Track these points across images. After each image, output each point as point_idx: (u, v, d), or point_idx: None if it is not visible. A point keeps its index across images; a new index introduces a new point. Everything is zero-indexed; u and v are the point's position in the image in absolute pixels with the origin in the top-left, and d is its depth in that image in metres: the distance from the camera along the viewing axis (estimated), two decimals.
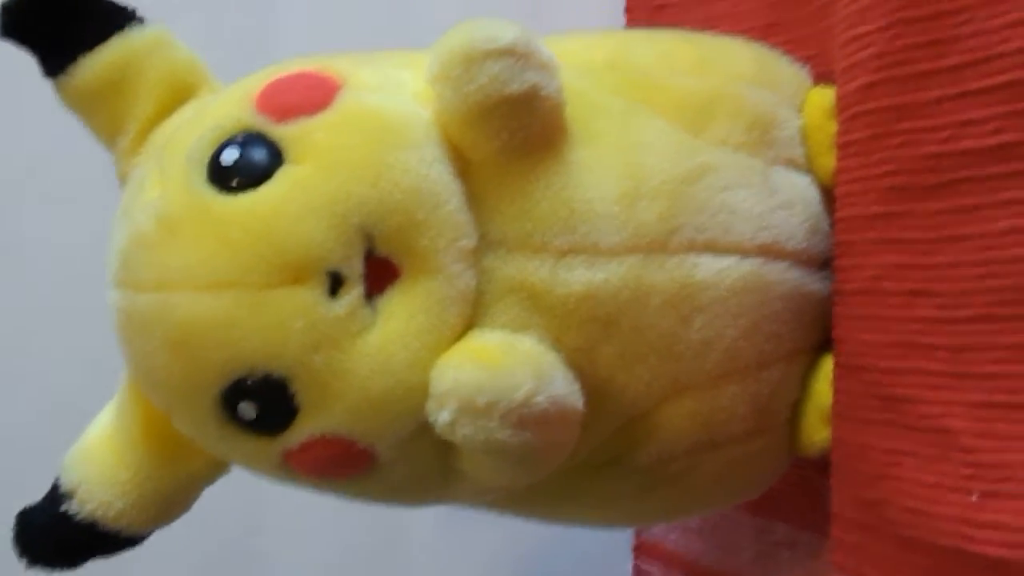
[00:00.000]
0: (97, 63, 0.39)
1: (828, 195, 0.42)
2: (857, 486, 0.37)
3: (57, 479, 0.40)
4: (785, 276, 0.40)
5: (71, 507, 0.39)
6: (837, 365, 0.39)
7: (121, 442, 0.40)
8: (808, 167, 0.42)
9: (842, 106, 0.38)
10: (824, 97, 0.43)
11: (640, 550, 0.61)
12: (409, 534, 0.62)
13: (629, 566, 0.62)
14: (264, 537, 0.68)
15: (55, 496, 0.40)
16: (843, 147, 0.38)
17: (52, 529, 0.40)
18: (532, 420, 0.34)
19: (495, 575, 0.69)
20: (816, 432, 0.41)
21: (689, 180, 0.38)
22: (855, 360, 0.37)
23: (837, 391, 0.39)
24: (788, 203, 0.40)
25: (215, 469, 0.41)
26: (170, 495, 0.40)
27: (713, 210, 0.38)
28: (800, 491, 0.47)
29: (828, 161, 0.41)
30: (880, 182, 0.36)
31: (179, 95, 0.40)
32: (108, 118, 0.40)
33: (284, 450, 0.36)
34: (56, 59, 0.40)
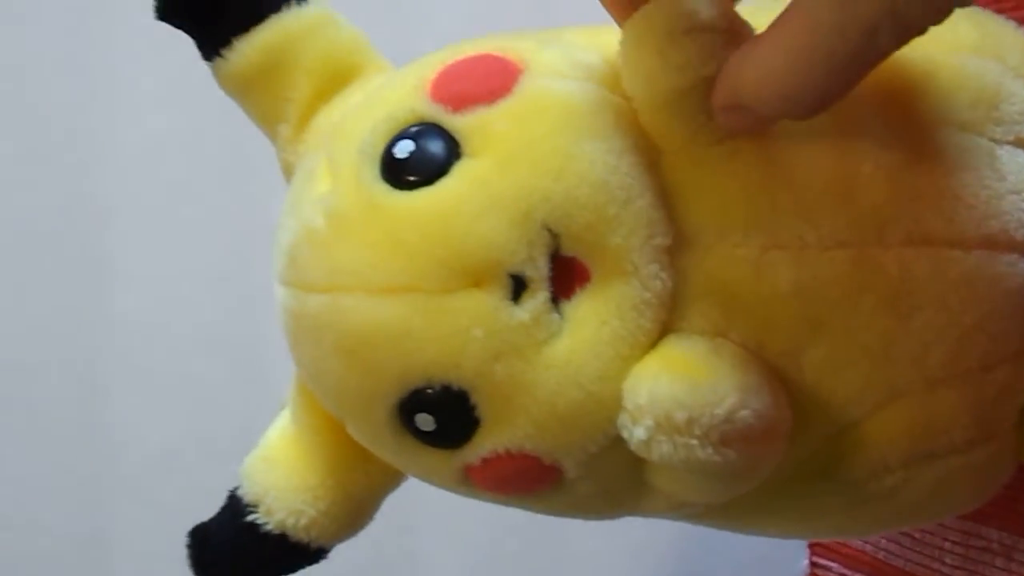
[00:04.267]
0: (252, 46, 0.37)
1: None
2: None
3: (235, 490, 0.38)
4: (1014, 269, 0.35)
5: (258, 517, 0.37)
6: None
7: (305, 446, 0.38)
8: None
9: None
10: None
11: (817, 546, 0.57)
12: (563, 528, 0.59)
13: (804, 562, 0.58)
14: (416, 537, 0.67)
15: (236, 507, 0.38)
16: None
17: (237, 543, 0.38)
18: (735, 436, 0.31)
19: (662, 569, 0.66)
20: None
21: (906, 166, 0.34)
22: None
23: None
24: (1018, 187, 0.36)
25: (399, 474, 0.39)
26: (360, 500, 0.39)
27: (933, 198, 0.34)
28: (1021, 496, 0.42)
29: None
30: None
31: (340, 78, 0.38)
32: (267, 104, 0.39)
33: (464, 464, 0.34)
34: (211, 43, 0.38)
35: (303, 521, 0.37)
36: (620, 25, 0.34)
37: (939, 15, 0.27)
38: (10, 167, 0.66)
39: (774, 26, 0.29)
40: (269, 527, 0.37)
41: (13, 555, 0.67)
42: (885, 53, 0.28)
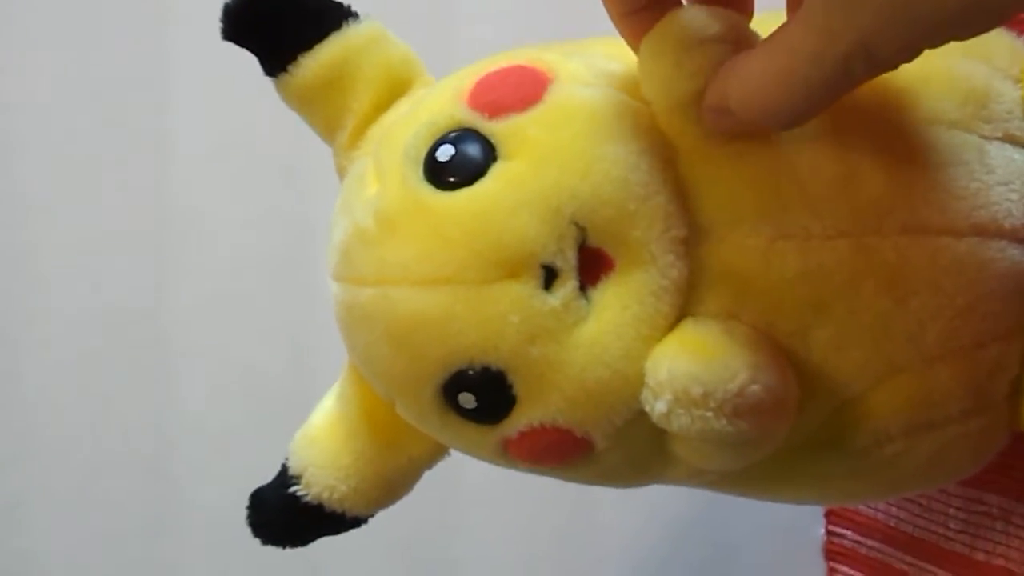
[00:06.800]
0: (316, 61, 0.40)
1: None
2: None
3: (286, 460, 0.43)
4: (1003, 254, 0.38)
5: (298, 489, 0.42)
6: None
7: (343, 428, 0.42)
8: None
9: None
10: None
11: (832, 514, 0.60)
12: (594, 498, 0.62)
13: (820, 531, 0.61)
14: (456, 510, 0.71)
15: (284, 478, 0.42)
16: None
17: (282, 510, 0.42)
18: (747, 409, 0.34)
19: (682, 540, 0.69)
20: None
21: (901, 162, 0.37)
22: None
23: None
24: (1006, 179, 0.39)
25: (435, 454, 0.42)
26: (391, 479, 0.42)
27: (927, 191, 0.37)
28: (1016, 463, 0.45)
29: None
30: None
31: (395, 90, 0.42)
32: (327, 114, 0.42)
33: (503, 438, 0.37)
34: (276, 59, 0.41)
35: (335, 495, 0.41)
36: (634, 50, 0.37)
37: (910, 54, 0.30)
38: (93, 166, 0.71)
39: (762, 45, 0.32)
40: (308, 498, 0.41)
41: (80, 533, 0.72)
42: (858, 83, 0.31)
